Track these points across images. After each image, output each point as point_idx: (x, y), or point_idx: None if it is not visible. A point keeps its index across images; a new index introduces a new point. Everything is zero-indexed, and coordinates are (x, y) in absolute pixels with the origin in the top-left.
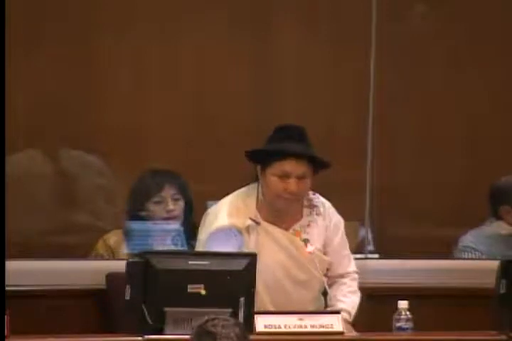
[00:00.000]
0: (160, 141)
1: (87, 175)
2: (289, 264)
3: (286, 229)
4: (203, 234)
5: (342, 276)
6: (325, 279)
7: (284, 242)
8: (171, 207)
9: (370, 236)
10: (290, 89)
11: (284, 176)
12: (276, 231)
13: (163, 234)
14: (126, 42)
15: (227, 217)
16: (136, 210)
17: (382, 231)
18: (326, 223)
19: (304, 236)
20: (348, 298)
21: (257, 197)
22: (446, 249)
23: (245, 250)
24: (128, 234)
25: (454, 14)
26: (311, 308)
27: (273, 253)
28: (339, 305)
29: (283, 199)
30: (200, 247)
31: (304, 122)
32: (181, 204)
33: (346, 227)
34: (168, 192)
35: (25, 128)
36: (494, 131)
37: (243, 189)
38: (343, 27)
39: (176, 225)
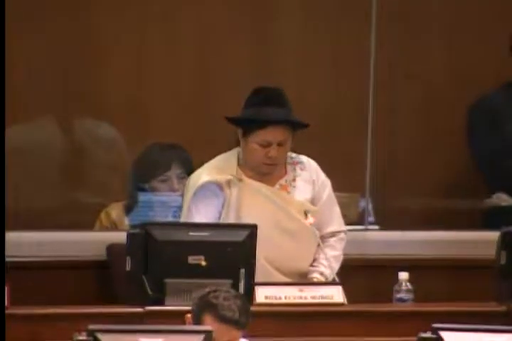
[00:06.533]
0: (162, 116)
1: (97, 149)
2: (277, 214)
3: (272, 185)
4: (187, 194)
5: (330, 235)
6: (317, 232)
7: (269, 194)
8: (176, 186)
9: (370, 207)
10: (291, 66)
11: (266, 144)
12: (260, 185)
13: (164, 206)
14: (127, 17)
15: (207, 175)
16: (140, 182)
17: (382, 203)
18: (312, 177)
19: (291, 189)
20: (329, 262)
21: (238, 158)
22: (446, 220)
23: (228, 204)
24: (130, 206)
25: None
26: (304, 264)
27: (258, 204)
28: (320, 269)
29: (264, 165)
30: (184, 208)
31: (305, 92)
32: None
33: (347, 199)
34: (175, 171)
35: (24, 101)
36: None
37: (225, 153)
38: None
39: (178, 198)
